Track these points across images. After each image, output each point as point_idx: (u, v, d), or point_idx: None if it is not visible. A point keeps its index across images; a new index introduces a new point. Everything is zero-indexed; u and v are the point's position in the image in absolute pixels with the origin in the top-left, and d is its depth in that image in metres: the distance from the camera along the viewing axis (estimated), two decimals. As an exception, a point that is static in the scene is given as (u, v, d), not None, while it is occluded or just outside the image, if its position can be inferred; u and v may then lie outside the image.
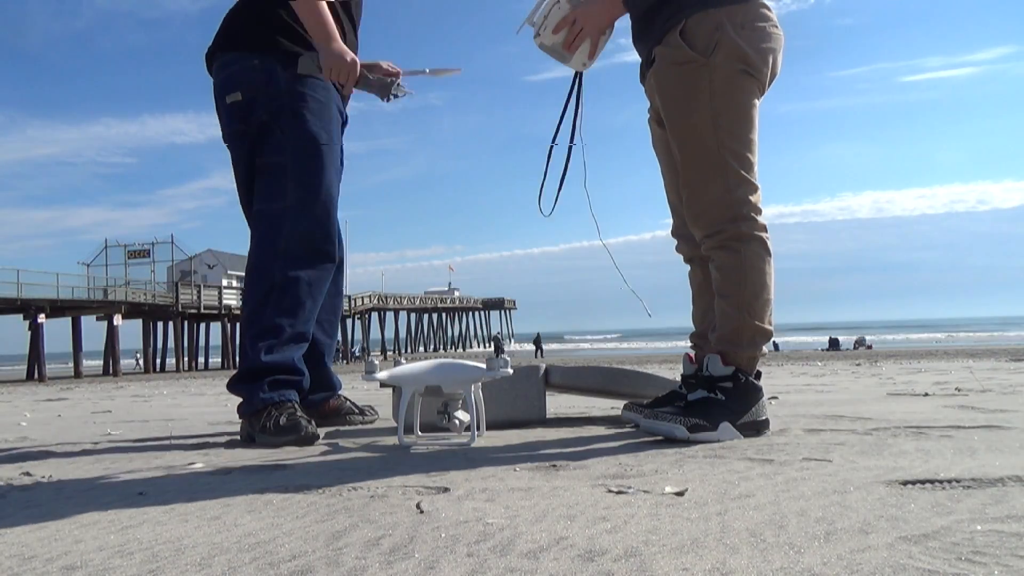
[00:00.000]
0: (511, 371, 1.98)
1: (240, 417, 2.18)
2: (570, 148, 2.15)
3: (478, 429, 2.01)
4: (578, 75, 2.14)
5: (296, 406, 2.14)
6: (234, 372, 2.29)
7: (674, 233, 2.16)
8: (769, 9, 1.91)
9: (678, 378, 2.09)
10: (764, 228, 1.90)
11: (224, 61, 2.34)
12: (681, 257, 2.17)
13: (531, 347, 44.61)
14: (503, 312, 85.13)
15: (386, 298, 54.48)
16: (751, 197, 1.89)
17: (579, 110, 2.15)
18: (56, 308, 29.83)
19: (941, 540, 0.91)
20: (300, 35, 2.30)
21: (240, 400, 2.19)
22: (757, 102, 1.92)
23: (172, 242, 44.06)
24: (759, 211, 1.90)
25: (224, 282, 43.27)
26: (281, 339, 2.21)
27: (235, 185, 2.42)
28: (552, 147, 2.13)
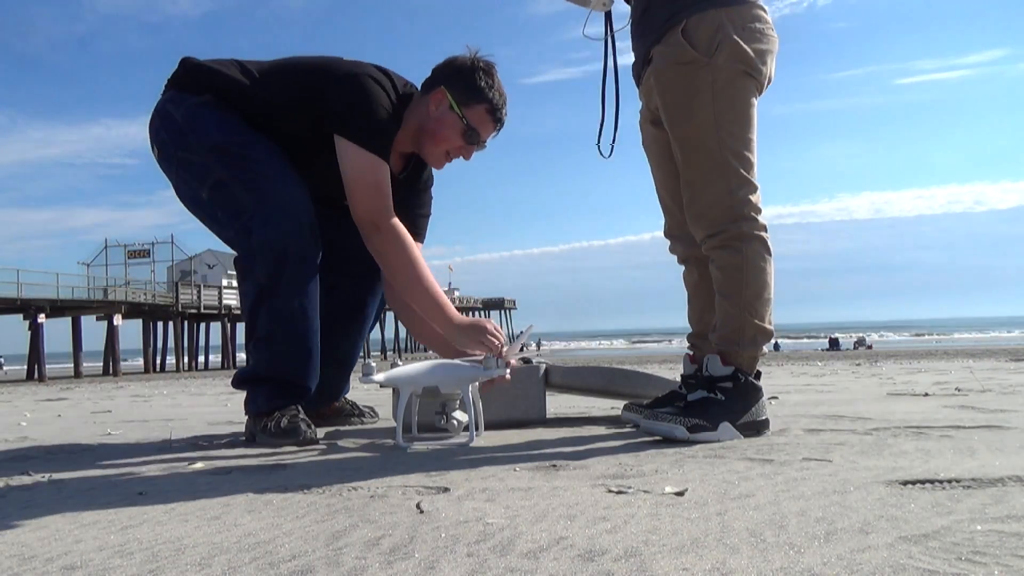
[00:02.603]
0: (506, 371, 1.98)
1: (245, 414, 2.18)
2: (616, 87, 2.13)
3: (476, 429, 2.01)
4: (608, 16, 2.12)
5: (299, 409, 2.13)
6: (239, 368, 2.21)
7: (667, 233, 2.16)
8: (765, 11, 1.91)
9: (678, 378, 2.09)
10: (764, 228, 1.90)
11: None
12: (675, 258, 2.17)
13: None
14: (503, 312, 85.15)
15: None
16: (751, 197, 1.89)
17: (614, 48, 2.12)
18: (56, 308, 29.83)
19: (941, 540, 0.91)
20: (212, 74, 2.14)
21: (246, 395, 2.18)
22: (755, 102, 1.92)
23: (172, 242, 44.16)
24: (759, 211, 1.90)
25: (224, 282, 43.36)
26: (281, 349, 2.10)
27: None
28: (604, 90, 2.11)
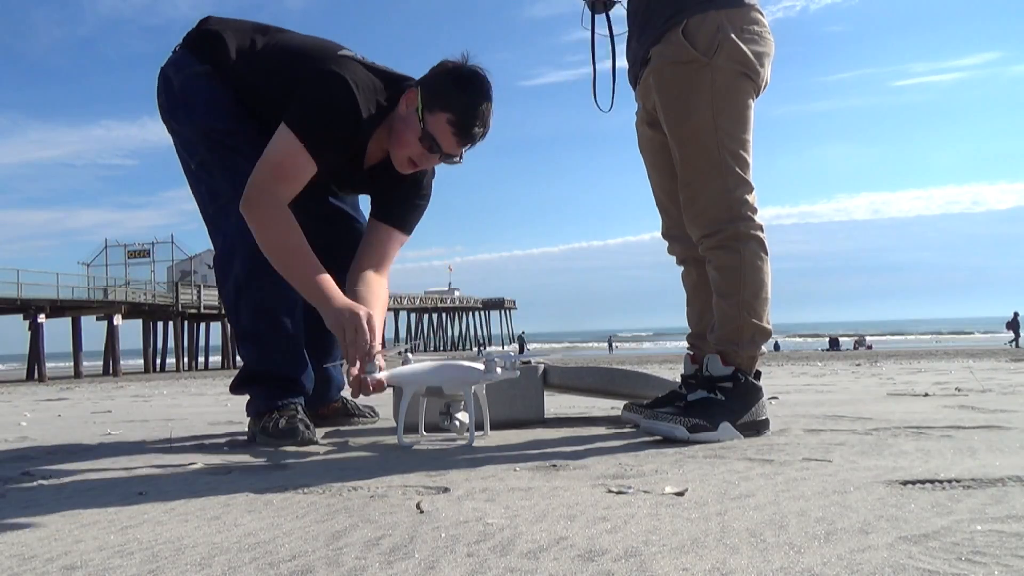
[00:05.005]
0: (516, 374, 1.97)
1: (247, 415, 2.19)
2: (612, 38, 2.08)
3: (480, 429, 2.00)
4: None
5: (299, 409, 2.13)
6: (235, 373, 2.23)
7: (665, 234, 2.16)
8: (762, 14, 1.92)
9: (678, 378, 2.09)
10: (761, 227, 1.90)
11: None
12: (674, 259, 2.16)
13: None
14: (503, 312, 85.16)
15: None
16: (748, 197, 1.89)
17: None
18: (56, 308, 29.82)
19: (941, 540, 0.91)
20: (216, 37, 2.14)
21: (248, 398, 2.19)
22: (752, 104, 1.93)
23: (172, 242, 44.14)
24: (756, 211, 1.91)
25: (224, 282, 43.15)
26: (268, 344, 2.13)
27: None
28: (593, 46, 2.07)
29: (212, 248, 2.23)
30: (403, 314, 60.05)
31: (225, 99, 2.14)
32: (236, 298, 2.13)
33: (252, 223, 1.94)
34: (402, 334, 61.22)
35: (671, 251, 2.16)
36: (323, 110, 1.95)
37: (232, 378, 2.26)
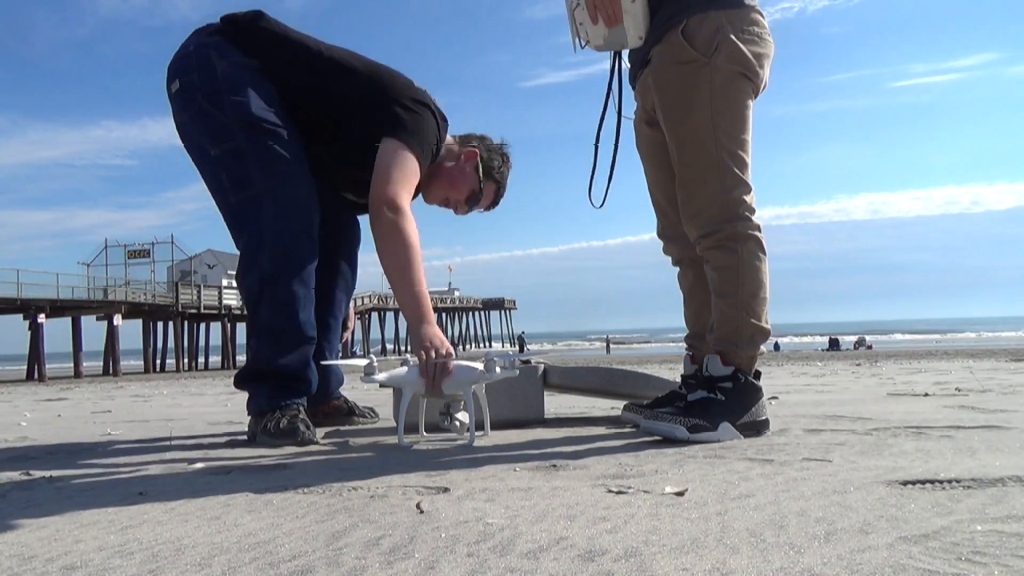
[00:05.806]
0: (515, 373, 1.97)
1: (248, 414, 2.18)
2: (618, 134, 2.09)
3: (480, 429, 2.00)
4: (616, 56, 2.07)
5: (301, 409, 2.13)
6: (240, 367, 2.23)
7: (660, 234, 2.15)
8: (762, 16, 1.92)
9: (678, 378, 2.09)
10: (759, 228, 1.91)
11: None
12: (670, 259, 2.16)
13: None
14: (503, 312, 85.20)
15: (386, 298, 54.45)
16: (746, 197, 1.89)
17: (622, 91, 2.08)
18: (56, 308, 29.82)
19: (941, 540, 0.91)
20: (255, 32, 2.21)
21: (248, 396, 2.19)
22: (751, 104, 1.93)
23: (172, 242, 44.18)
24: (753, 211, 1.91)
25: (224, 282, 43.28)
26: (284, 341, 2.13)
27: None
28: (597, 138, 2.08)
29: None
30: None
31: (272, 96, 2.19)
32: (259, 292, 2.13)
33: (395, 231, 2.05)
34: (402, 334, 61.17)
35: (667, 251, 2.16)
36: (426, 134, 2.20)
37: (236, 372, 2.26)
